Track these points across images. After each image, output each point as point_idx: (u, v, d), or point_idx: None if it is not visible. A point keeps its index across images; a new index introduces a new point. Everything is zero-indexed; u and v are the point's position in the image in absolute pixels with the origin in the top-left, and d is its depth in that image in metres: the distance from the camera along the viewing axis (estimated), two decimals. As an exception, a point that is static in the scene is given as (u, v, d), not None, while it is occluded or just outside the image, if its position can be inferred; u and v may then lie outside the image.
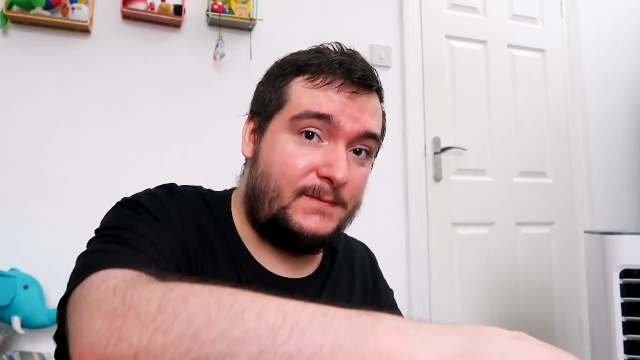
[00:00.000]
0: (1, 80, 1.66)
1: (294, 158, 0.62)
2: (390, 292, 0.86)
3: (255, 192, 0.66)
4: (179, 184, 0.70)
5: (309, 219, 0.63)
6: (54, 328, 1.67)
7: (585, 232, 1.57)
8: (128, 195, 0.65)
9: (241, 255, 0.67)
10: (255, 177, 0.66)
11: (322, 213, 0.63)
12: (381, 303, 0.80)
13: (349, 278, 0.78)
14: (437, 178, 2.23)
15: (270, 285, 0.65)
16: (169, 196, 0.65)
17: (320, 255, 0.75)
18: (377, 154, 0.72)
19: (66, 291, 0.49)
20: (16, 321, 1.45)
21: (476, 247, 2.27)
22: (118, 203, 0.64)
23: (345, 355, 0.34)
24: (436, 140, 2.24)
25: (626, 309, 1.37)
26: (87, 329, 0.40)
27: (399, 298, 0.89)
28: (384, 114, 0.71)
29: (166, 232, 0.60)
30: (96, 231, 0.60)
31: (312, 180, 0.62)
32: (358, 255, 0.83)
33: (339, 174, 0.61)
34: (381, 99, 0.70)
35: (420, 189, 2.18)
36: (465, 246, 2.24)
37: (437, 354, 0.35)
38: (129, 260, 0.50)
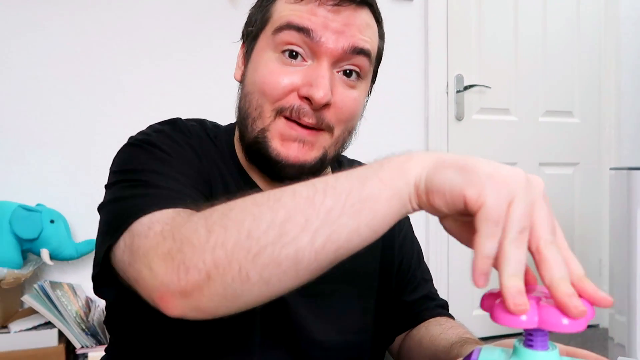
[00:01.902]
0: (16, 17, 1.65)
1: (275, 76, 0.60)
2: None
3: (242, 113, 0.65)
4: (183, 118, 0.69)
5: (287, 147, 0.61)
6: (81, 260, 1.70)
7: (612, 168, 1.54)
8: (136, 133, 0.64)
9: (248, 184, 0.67)
10: (241, 99, 0.65)
11: (301, 141, 0.61)
12: (393, 230, 0.78)
13: None
14: (459, 117, 2.17)
15: None
16: (177, 131, 0.65)
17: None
18: (374, 79, 0.69)
19: (111, 240, 0.50)
20: (45, 253, 1.50)
21: (497, 187, 2.23)
22: (129, 143, 0.63)
23: (367, 180, 0.39)
24: (459, 78, 2.17)
25: (649, 244, 1.35)
26: (153, 276, 0.43)
27: (418, 233, 0.88)
28: (382, 36, 0.67)
29: (184, 166, 0.60)
30: (114, 174, 0.60)
31: (292, 100, 0.60)
32: None
33: (319, 93, 0.57)
34: (377, 18, 0.64)
35: (442, 128, 2.13)
36: (486, 187, 2.21)
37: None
38: (164, 201, 0.51)
